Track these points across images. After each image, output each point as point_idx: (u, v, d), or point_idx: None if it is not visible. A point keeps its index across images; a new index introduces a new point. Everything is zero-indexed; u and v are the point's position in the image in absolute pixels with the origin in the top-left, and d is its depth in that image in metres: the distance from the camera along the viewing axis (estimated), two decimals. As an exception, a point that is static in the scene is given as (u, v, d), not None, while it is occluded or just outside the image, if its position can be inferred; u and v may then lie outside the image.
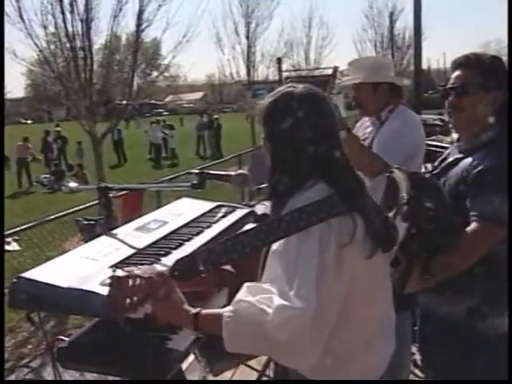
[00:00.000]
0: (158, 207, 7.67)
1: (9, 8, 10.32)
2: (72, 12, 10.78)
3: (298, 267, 1.57)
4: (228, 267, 2.13)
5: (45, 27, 10.83)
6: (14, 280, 1.88)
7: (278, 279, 1.61)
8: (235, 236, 1.72)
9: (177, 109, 56.76)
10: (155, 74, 14.50)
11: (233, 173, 2.61)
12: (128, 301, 1.57)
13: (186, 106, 58.83)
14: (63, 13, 10.73)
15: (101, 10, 11.17)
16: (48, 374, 5.43)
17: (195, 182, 2.82)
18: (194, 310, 1.68)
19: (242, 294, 1.64)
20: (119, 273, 1.60)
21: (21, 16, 10.55)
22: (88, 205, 6.71)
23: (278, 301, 1.54)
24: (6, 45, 11.06)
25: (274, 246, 1.70)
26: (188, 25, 12.35)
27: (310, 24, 29.75)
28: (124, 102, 12.85)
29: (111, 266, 1.85)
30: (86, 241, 2.72)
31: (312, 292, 1.53)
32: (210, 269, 1.67)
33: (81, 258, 2.13)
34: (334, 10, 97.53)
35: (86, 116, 10.98)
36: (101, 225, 2.99)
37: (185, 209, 2.89)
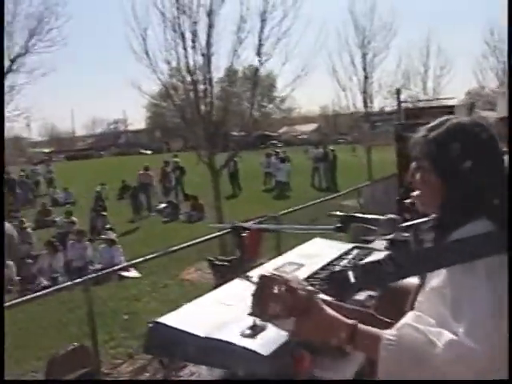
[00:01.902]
0: (278, 245, 7.69)
1: (136, 46, 10.84)
2: (194, 47, 11.12)
3: (466, 305, 1.50)
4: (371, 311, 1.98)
5: (168, 62, 11.23)
6: (150, 325, 1.82)
7: (440, 316, 1.54)
8: (392, 259, 1.62)
9: (291, 140, 57.13)
10: (271, 106, 14.64)
11: (381, 217, 2.43)
12: (271, 306, 1.48)
13: (300, 137, 59.17)
14: (185, 48, 11.09)
15: (221, 44, 11.42)
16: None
17: (339, 225, 2.66)
18: (350, 321, 1.57)
19: (410, 319, 1.55)
20: (268, 273, 1.50)
21: (146, 53, 11.01)
22: (207, 237, 6.75)
23: (449, 336, 1.46)
24: (132, 80, 11.62)
25: (434, 283, 1.62)
26: (306, 58, 12.33)
27: (428, 52, 29.10)
28: (241, 133, 12.98)
29: (250, 314, 1.74)
30: (218, 281, 2.64)
31: (485, 332, 1.46)
32: (361, 287, 1.56)
33: (216, 303, 2.04)
34: (453, 37, 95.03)
35: (204, 147, 11.20)
36: (233, 266, 2.90)
37: (318, 250, 2.76)
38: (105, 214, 15.46)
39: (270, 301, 1.46)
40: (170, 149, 61.65)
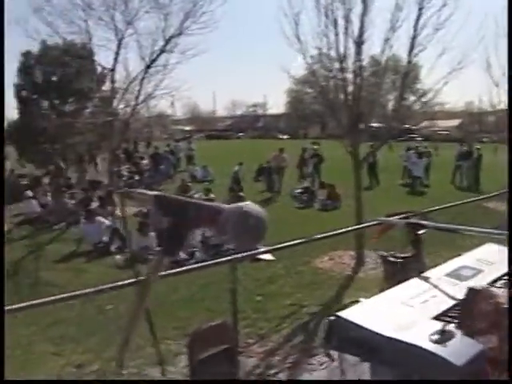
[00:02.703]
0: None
1: (288, 31, 10.86)
2: (346, 34, 10.95)
3: None
4: None
5: (319, 48, 11.16)
6: (332, 318, 1.79)
7: None
8: None
9: (431, 135, 55.17)
10: (413, 98, 14.13)
11: None
12: (479, 320, 1.39)
13: (441, 132, 56.97)
14: (337, 34, 10.94)
15: (373, 32, 11.14)
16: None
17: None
18: None
19: None
20: (478, 286, 1.42)
21: (298, 37, 10.99)
22: (351, 228, 6.63)
23: None
24: (281, 63, 11.67)
25: None
26: (463, 51, 11.70)
27: None
28: (381, 124, 12.65)
29: (435, 318, 1.64)
30: (389, 278, 2.56)
31: None
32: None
33: (396, 303, 1.97)
34: None
35: (348, 136, 11.05)
36: (407, 264, 2.81)
37: (494, 256, 2.58)
38: (242, 194, 15.74)
39: (478, 315, 1.38)
40: (306, 135, 61.86)
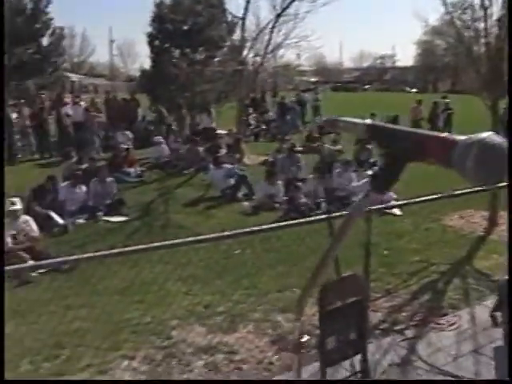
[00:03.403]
0: None
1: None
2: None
3: None
4: None
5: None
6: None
7: None
8: None
9: None
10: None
11: None
12: None
13: None
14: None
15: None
16: (422, 348, 5.34)
17: None
18: None
19: None
20: None
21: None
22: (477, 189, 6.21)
23: None
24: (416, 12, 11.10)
25: None
26: None
27: None
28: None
29: None
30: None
31: None
32: None
33: None
34: None
35: (488, 90, 10.39)
36: None
37: None
38: (369, 146, 15.40)
39: None
40: (436, 89, 59.44)
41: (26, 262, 7.36)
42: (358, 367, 4.04)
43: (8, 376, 4.54)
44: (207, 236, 4.20)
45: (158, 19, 25.42)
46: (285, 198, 11.35)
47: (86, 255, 3.58)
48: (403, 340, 5.60)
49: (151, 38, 25.75)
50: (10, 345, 5.08)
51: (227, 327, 5.68)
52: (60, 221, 9.80)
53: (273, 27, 17.86)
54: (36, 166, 16.65)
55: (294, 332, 5.36)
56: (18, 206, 8.41)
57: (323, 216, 5.61)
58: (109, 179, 11.72)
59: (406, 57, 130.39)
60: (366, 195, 1.92)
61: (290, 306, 6.07)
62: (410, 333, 5.73)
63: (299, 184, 11.70)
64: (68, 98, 21.81)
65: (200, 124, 20.80)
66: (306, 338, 2.48)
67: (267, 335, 5.55)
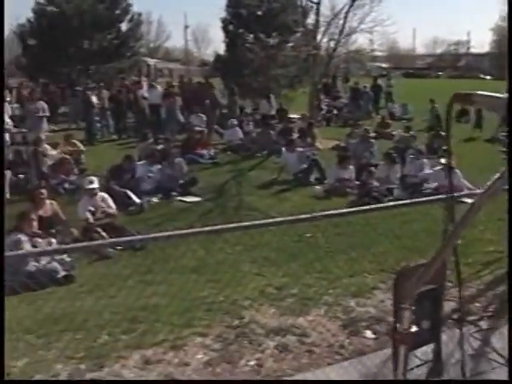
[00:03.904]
0: None
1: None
2: None
3: None
4: None
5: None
6: None
7: None
8: None
9: None
10: None
11: None
12: None
13: None
14: None
15: None
16: (496, 340, 5.23)
17: None
18: None
19: None
20: None
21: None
22: None
23: None
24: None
25: None
26: None
27: None
28: None
29: None
30: None
31: None
32: None
33: None
34: None
35: None
36: None
37: None
38: (441, 133, 15.03)
39: None
40: (514, 76, 57.16)
41: (104, 238, 7.63)
42: (430, 356, 3.99)
43: (91, 345, 4.79)
44: (284, 218, 4.20)
45: (233, 5, 25.59)
46: (357, 182, 11.28)
47: (166, 233, 3.66)
48: (477, 331, 5.49)
49: (226, 24, 25.96)
50: (90, 317, 5.34)
51: (299, 310, 5.70)
52: (136, 200, 10.08)
53: (348, 11, 17.65)
54: (114, 146, 17.13)
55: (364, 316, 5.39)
56: (95, 184, 8.76)
57: (407, 201, 5.42)
58: (177, 159, 11.95)
59: (482, 43, 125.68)
60: (501, 176, 1.81)
61: (361, 290, 6.07)
62: (483, 324, 5.61)
63: (372, 169, 11.58)
64: (144, 82, 22.29)
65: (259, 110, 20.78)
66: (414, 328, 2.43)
67: (339, 319, 5.55)
